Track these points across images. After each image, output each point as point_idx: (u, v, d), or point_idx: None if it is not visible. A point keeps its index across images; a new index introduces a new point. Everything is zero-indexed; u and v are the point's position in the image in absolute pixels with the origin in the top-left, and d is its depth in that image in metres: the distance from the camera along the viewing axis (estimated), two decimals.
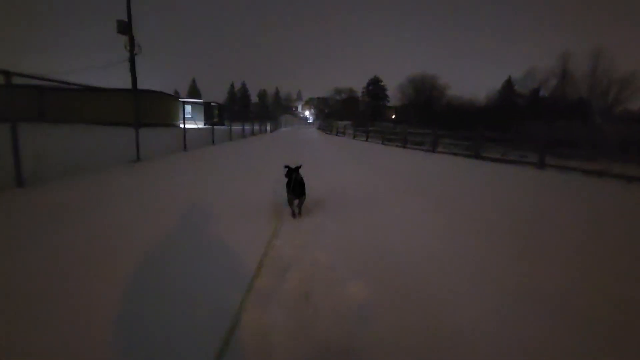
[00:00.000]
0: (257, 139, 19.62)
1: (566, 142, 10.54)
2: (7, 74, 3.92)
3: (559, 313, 1.73)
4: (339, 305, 1.75)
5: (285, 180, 3.42)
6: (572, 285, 2.04)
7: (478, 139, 11.24)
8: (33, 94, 20.53)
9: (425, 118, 39.79)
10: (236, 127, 19.01)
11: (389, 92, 67.34)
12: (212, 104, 37.10)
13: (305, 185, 3.33)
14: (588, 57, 34.98)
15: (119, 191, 4.17)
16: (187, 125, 10.50)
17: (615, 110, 33.46)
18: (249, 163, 7.71)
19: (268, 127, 33.06)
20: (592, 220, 3.63)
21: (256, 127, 25.62)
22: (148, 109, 19.83)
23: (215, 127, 14.03)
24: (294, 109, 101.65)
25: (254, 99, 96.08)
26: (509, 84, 48.48)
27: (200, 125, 24.23)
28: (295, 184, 3.21)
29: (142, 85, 20.36)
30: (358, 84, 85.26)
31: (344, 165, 7.90)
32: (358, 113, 63.03)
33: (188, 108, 33.07)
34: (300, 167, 3.55)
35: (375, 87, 69.49)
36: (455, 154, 12.24)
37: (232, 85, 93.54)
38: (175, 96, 36.32)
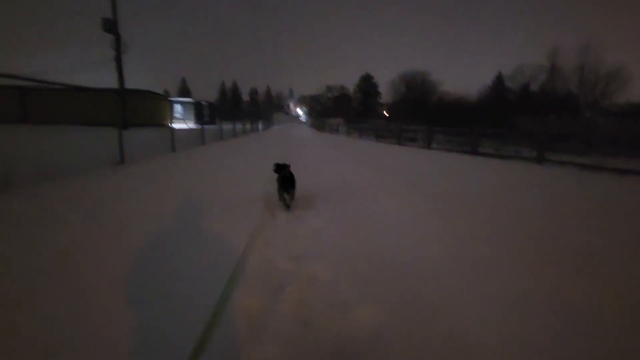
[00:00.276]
0: (248, 137, 19.26)
1: (559, 137, 10.51)
2: None
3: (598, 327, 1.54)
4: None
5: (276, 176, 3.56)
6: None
7: (475, 135, 11.16)
8: (14, 95, 19.84)
9: (418, 114, 39.78)
10: (227, 126, 18.61)
11: (381, 89, 67.28)
12: (203, 103, 36.50)
13: (296, 181, 3.47)
14: (577, 52, 35.40)
15: (94, 198, 3.86)
16: (177, 125, 10.15)
17: (603, 104, 33.95)
18: (239, 164, 7.43)
19: (260, 126, 32.66)
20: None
21: (248, 126, 25.20)
22: (136, 109, 19.28)
23: (206, 126, 13.64)
24: (285, 107, 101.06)
25: (246, 97, 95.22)
26: (499, 79, 48.75)
27: (191, 124, 23.80)
28: (284, 179, 3.39)
29: (131, 84, 19.83)
30: (349, 81, 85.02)
31: (342, 164, 7.66)
32: (350, 110, 62.81)
33: (178, 107, 32.43)
34: (289, 165, 3.62)
35: (367, 84, 69.20)
36: (449, 150, 12.15)
37: (223, 84, 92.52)
38: (165, 95, 35.65)
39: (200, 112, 33.56)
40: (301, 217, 3.26)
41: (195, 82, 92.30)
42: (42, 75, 5.77)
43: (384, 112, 60.57)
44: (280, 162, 3.71)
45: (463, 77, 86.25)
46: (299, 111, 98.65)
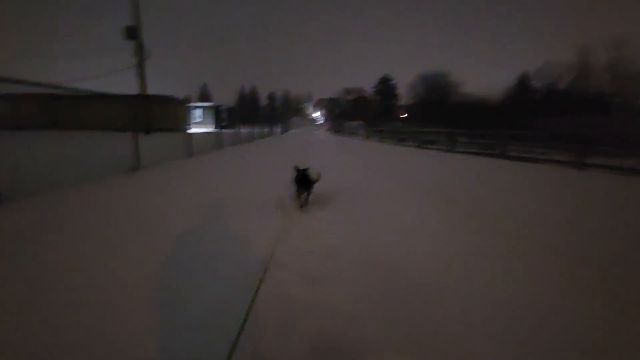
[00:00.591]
0: (266, 141, 19.25)
1: (601, 139, 9.65)
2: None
3: None
4: None
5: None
6: None
7: (503, 138, 10.51)
8: (47, 102, 20.68)
9: (438, 116, 38.71)
10: (246, 130, 18.66)
11: (399, 91, 66.27)
12: (222, 107, 37.06)
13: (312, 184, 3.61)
14: (609, 48, 33.48)
15: (105, 205, 3.73)
16: (196, 130, 10.17)
17: (636, 104, 31.87)
18: (255, 169, 7.24)
19: (278, 129, 32.79)
20: None
21: (266, 130, 25.29)
22: (155, 114, 19.65)
23: (224, 130, 13.67)
24: (303, 111, 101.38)
25: (264, 101, 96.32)
26: (524, 78, 46.65)
27: (211, 128, 24.16)
28: (302, 179, 3.54)
29: (153, 90, 20.29)
30: (368, 84, 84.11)
31: (360, 171, 7.31)
32: (368, 113, 62.13)
33: (198, 112, 33.08)
34: (308, 169, 3.70)
35: (385, 86, 68.35)
36: (476, 154, 11.49)
37: (242, 89, 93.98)
38: (184, 100, 36.52)
39: (219, 117, 34.06)
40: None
41: (215, 87, 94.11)
42: (70, 83, 5.81)
43: (403, 114, 59.59)
44: (300, 167, 3.72)
45: (484, 76, 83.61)
46: (318, 114, 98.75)
